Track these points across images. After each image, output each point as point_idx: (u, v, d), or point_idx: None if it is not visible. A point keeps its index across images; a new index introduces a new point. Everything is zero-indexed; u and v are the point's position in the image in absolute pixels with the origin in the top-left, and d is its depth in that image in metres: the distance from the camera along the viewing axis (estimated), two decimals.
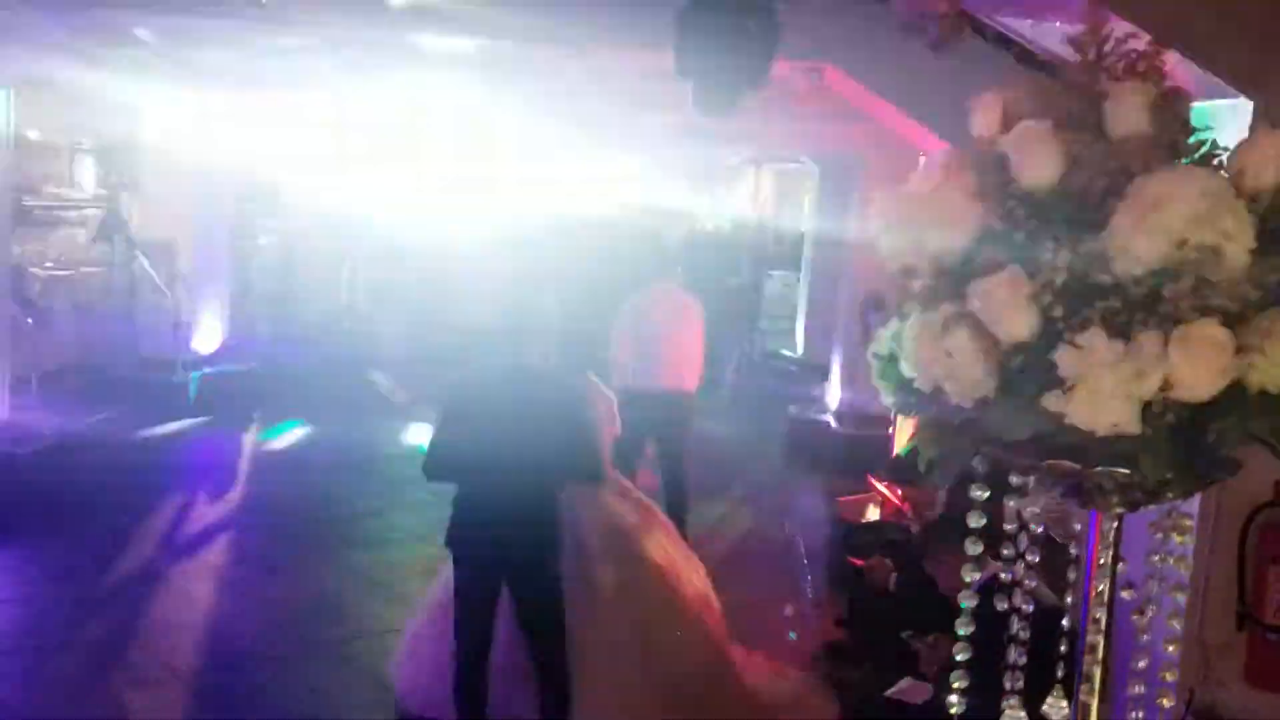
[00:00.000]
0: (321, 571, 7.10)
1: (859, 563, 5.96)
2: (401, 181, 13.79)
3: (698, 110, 6.00)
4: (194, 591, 6.70)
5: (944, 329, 1.51)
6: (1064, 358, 1.41)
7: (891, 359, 1.66)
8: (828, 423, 9.96)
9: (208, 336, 10.98)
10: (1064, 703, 1.96)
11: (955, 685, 1.83)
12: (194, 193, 10.58)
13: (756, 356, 12.97)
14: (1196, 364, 1.37)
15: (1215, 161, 1.54)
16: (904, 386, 1.64)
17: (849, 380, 9.80)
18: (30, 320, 9.58)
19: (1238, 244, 1.39)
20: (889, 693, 4.62)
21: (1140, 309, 1.41)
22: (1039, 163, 1.49)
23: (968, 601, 1.86)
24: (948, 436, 1.66)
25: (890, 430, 8.91)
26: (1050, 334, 1.45)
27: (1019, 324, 1.44)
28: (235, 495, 8.62)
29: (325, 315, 13.78)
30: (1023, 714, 1.83)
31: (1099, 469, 1.50)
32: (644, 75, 8.78)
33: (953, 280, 1.55)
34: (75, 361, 10.54)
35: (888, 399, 1.78)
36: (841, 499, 7.89)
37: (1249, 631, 3.63)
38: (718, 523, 8.37)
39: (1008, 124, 1.63)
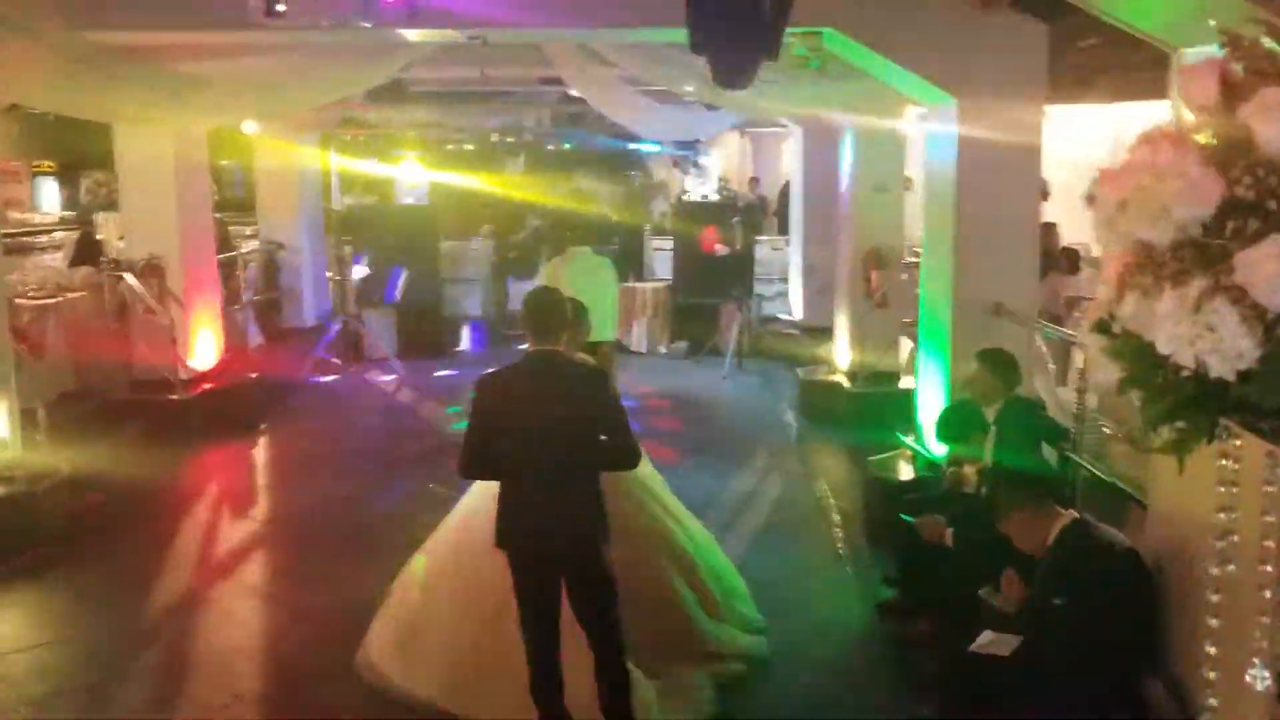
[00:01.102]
0: (357, 578, 7.02)
1: (911, 520, 5.98)
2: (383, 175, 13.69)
3: (716, 83, 6.00)
4: (236, 611, 6.63)
5: (1200, 303, 1.50)
6: None
7: (1127, 336, 1.66)
8: (839, 382, 10.00)
9: (204, 352, 10.82)
10: (1266, 672, 1.94)
11: None
12: (177, 207, 10.37)
13: (756, 323, 13.00)
14: None
15: None
16: (1142, 362, 1.64)
17: (857, 339, 9.84)
18: (25, 349, 9.39)
19: None
20: (973, 647, 4.64)
21: None
22: None
23: None
24: (1185, 409, 1.66)
25: (909, 386, 8.97)
26: None
27: None
28: (259, 509, 8.55)
29: (318, 319, 13.66)
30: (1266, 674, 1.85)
31: None
32: (627, 49, 8.74)
33: (1197, 254, 1.55)
34: (74, 388, 10.36)
35: (1111, 375, 1.77)
36: (872, 457, 7.93)
37: None
38: (750, 493, 8.40)
39: (1226, 91, 1.62)
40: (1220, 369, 1.52)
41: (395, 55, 8.17)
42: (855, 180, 10.15)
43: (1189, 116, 1.72)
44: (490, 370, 4.82)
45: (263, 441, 10.39)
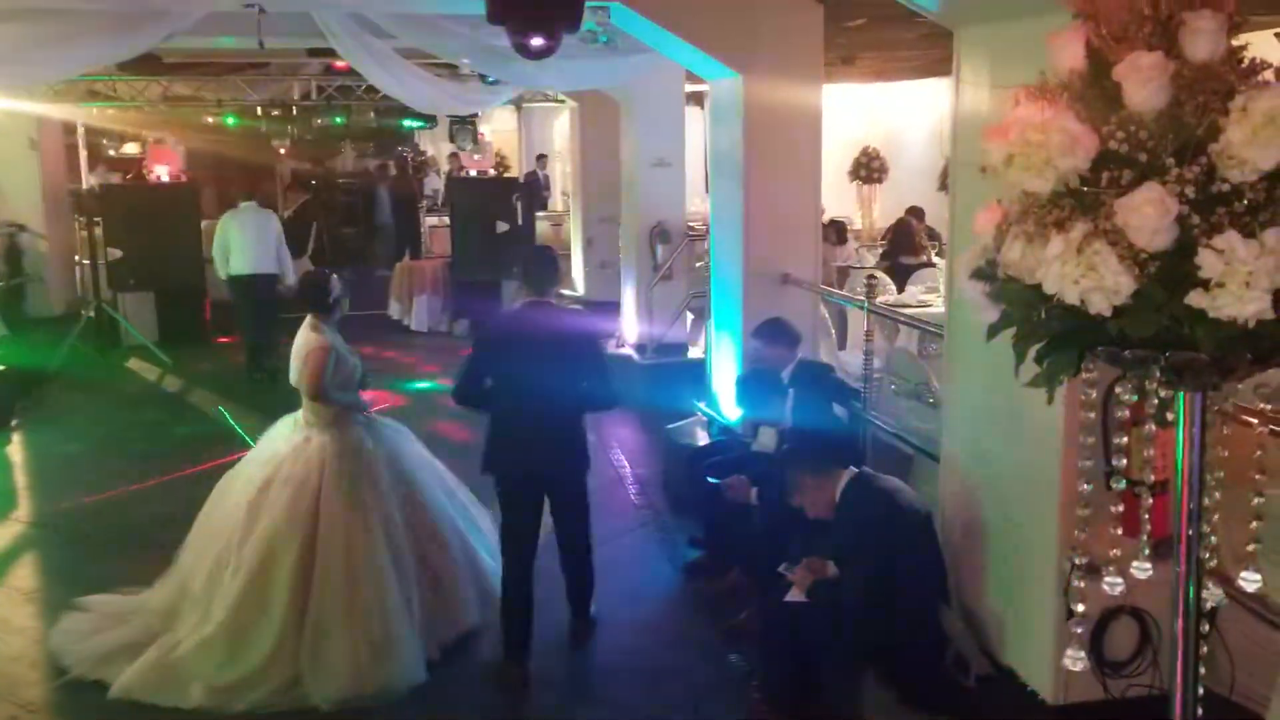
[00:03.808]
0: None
1: (717, 482, 6.18)
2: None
3: (517, 54, 5.99)
4: (12, 618, 6.13)
5: (1083, 246, 1.67)
6: (1207, 259, 1.60)
7: (1010, 280, 1.81)
8: (630, 355, 10.18)
9: None
10: (1258, 575, 2.02)
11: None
12: None
13: None
14: None
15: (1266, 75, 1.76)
16: (1023, 303, 1.80)
17: (645, 313, 10.05)
18: None
19: None
20: (788, 597, 4.87)
21: (1262, 210, 1.62)
22: (1153, 89, 1.66)
23: None
24: (1057, 345, 1.84)
25: (697, 356, 9.23)
26: (1182, 240, 1.65)
27: (1165, 234, 1.62)
28: (24, 510, 7.92)
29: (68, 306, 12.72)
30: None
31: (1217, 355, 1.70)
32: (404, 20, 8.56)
33: (1076, 201, 1.72)
34: None
35: (987, 316, 1.93)
36: (669, 425, 8.14)
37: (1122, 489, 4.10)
38: None
39: (1091, 55, 1.79)
40: (1099, 305, 1.68)
41: (159, 23, 7.66)
42: (636, 155, 10.33)
43: (1052, 79, 1.88)
44: (493, 314, 5.56)
45: (17, 439, 9.61)
